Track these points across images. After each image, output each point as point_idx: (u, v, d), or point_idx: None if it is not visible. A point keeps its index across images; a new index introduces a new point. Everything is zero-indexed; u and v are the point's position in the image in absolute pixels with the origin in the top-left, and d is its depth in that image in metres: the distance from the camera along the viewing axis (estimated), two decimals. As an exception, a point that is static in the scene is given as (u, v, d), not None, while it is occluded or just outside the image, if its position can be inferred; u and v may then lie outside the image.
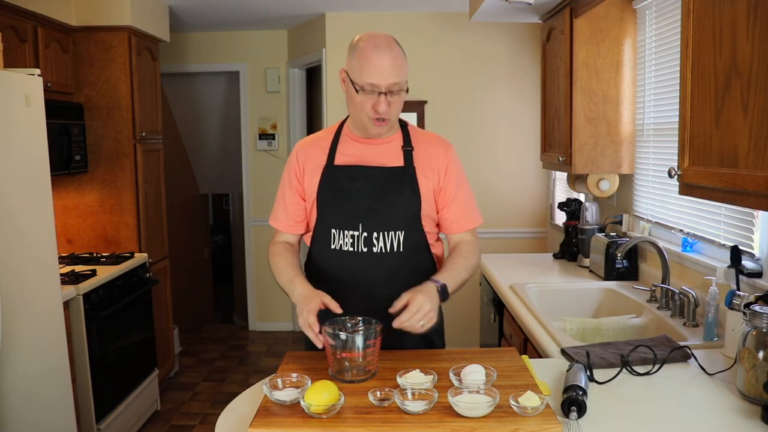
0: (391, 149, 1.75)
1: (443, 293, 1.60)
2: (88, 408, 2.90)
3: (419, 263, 1.76)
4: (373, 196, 1.70)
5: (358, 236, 1.70)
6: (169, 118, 5.17)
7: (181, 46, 5.08)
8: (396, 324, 1.50)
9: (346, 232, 1.71)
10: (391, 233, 1.70)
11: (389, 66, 1.61)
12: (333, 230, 1.72)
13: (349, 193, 1.70)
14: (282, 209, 1.82)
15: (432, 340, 1.82)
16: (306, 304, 1.55)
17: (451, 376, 1.42)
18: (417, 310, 1.50)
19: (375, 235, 1.70)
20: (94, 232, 3.64)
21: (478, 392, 1.32)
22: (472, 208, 1.80)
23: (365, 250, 1.70)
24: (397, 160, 1.74)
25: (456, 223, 1.78)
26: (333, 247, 1.72)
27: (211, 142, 5.95)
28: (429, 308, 1.52)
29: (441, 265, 1.85)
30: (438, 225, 1.80)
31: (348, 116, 1.81)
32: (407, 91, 1.69)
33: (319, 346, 1.51)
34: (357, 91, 1.64)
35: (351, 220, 1.70)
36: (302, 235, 1.85)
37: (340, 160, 1.75)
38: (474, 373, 1.42)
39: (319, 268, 1.77)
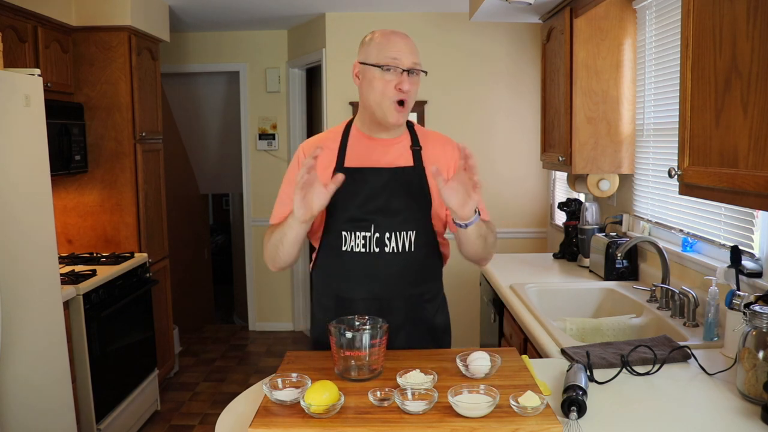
0: (400, 149, 1.75)
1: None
2: (88, 408, 2.90)
3: (429, 262, 1.77)
4: (384, 197, 1.69)
5: (370, 237, 1.70)
6: (169, 118, 5.17)
7: (181, 46, 5.08)
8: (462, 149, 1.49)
9: (357, 233, 1.70)
10: (403, 233, 1.70)
11: (409, 46, 1.67)
12: (344, 233, 1.71)
13: (360, 194, 1.70)
14: (287, 209, 1.76)
15: (440, 339, 1.83)
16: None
17: (458, 363, 1.46)
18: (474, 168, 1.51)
19: (387, 235, 1.70)
20: (94, 232, 3.64)
21: (478, 392, 1.32)
22: (482, 205, 1.76)
23: (377, 250, 1.70)
24: (406, 160, 1.74)
25: None
26: (344, 248, 1.71)
27: (211, 142, 5.95)
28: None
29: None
30: (447, 224, 1.80)
31: (352, 118, 1.81)
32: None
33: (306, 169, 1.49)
34: (379, 69, 1.64)
35: (363, 222, 1.69)
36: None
37: (350, 162, 1.74)
38: (480, 359, 1.45)
39: (329, 269, 1.76)
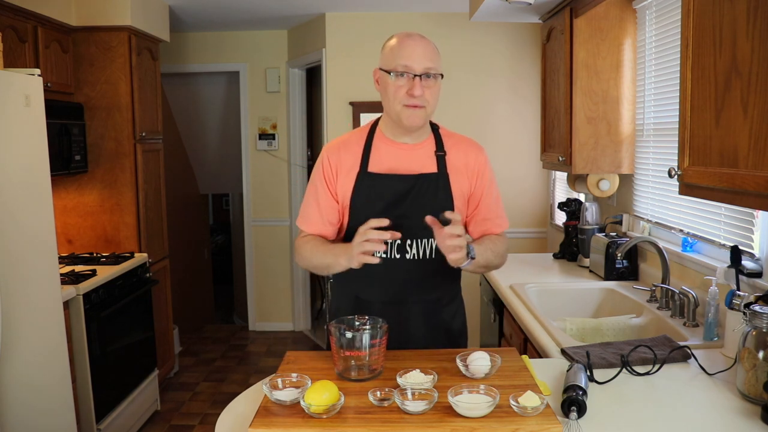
0: (424, 155, 1.75)
1: (471, 250, 1.59)
2: (88, 408, 2.90)
3: (449, 269, 1.76)
4: (407, 203, 1.69)
5: (391, 243, 1.70)
6: (169, 118, 5.17)
7: (181, 46, 5.08)
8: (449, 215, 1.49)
9: None
10: (424, 240, 1.71)
11: (423, 50, 1.66)
12: None
13: (383, 200, 1.70)
14: (315, 211, 1.77)
15: (457, 341, 1.84)
16: (358, 236, 1.54)
17: (458, 363, 1.47)
18: (460, 231, 1.50)
19: (408, 242, 1.70)
20: (94, 232, 3.64)
21: (478, 392, 1.32)
22: (500, 213, 1.81)
23: (398, 256, 1.71)
24: (430, 166, 1.74)
25: (482, 226, 1.78)
26: None
27: (211, 142, 5.95)
28: (463, 237, 1.51)
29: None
30: (466, 229, 1.80)
31: (378, 119, 1.81)
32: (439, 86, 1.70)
33: (387, 237, 1.52)
34: (390, 75, 1.64)
35: (385, 228, 1.68)
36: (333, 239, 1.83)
37: (374, 167, 1.73)
38: (480, 360, 1.46)
39: (349, 273, 1.75)
